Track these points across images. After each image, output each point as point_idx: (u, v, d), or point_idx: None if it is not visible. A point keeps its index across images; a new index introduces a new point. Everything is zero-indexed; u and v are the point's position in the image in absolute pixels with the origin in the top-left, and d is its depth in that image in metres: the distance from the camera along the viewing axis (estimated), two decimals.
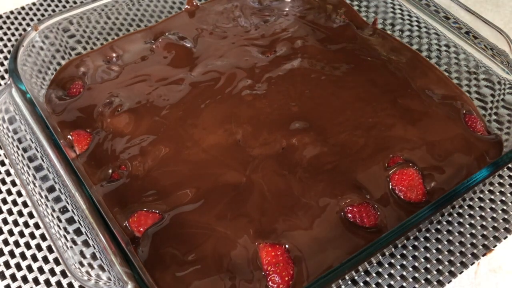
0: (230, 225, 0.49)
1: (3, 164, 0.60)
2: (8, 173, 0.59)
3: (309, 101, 0.60)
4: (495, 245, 0.54)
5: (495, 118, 0.59)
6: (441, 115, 0.59)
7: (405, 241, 0.54)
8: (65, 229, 0.51)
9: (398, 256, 0.53)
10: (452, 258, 0.53)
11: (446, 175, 0.54)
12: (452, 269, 0.52)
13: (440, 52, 0.65)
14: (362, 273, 0.52)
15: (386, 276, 0.52)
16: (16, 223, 0.55)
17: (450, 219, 0.56)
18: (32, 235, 0.54)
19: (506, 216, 0.56)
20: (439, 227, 0.55)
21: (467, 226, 0.55)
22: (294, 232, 0.49)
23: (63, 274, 0.52)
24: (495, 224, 0.56)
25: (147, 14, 0.70)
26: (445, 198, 0.46)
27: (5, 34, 0.74)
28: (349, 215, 0.50)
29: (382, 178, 0.53)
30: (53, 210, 0.52)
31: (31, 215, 0.56)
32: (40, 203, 0.51)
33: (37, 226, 0.55)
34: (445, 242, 0.54)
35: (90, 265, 0.49)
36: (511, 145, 0.54)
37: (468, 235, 0.55)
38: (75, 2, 0.79)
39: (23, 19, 0.77)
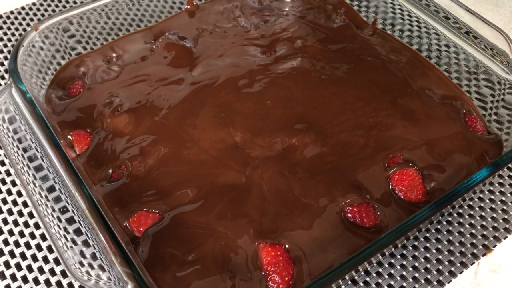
0: (230, 225, 0.49)
1: (3, 164, 0.60)
2: (8, 173, 0.59)
3: (309, 101, 0.60)
4: (495, 245, 0.54)
5: (495, 118, 0.59)
6: (441, 115, 0.59)
7: (405, 241, 0.54)
8: (65, 229, 0.51)
9: (398, 256, 0.53)
10: (452, 258, 0.53)
11: (446, 175, 0.54)
12: (452, 269, 0.52)
13: (440, 52, 0.65)
14: (362, 273, 0.52)
15: (386, 276, 0.52)
16: (16, 223, 0.55)
17: (450, 219, 0.56)
18: (32, 235, 0.54)
19: (506, 216, 0.56)
20: (439, 227, 0.55)
21: (467, 226, 0.56)
22: (294, 232, 0.49)
23: (63, 274, 0.52)
24: (495, 224, 0.56)
25: (147, 14, 0.70)
26: (445, 198, 0.46)
27: (5, 34, 0.74)
28: (349, 215, 0.50)
29: (382, 178, 0.53)
30: (53, 210, 0.52)
31: (31, 215, 0.56)
32: (40, 203, 0.51)
33: (37, 226, 0.55)
34: (445, 242, 0.54)
35: (90, 265, 0.49)
36: (511, 145, 0.54)
37: (468, 235, 0.55)
38: (75, 2, 0.80)
39: (23, 19, 0.77)
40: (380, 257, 0.52)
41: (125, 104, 0.60)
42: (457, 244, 0.54)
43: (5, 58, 0.71)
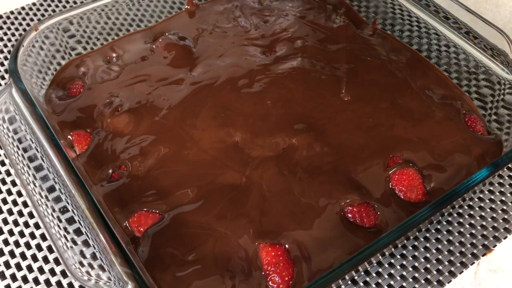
0: (230, 225, 0.49)
1: (3, 164, 0.60)
2: (8, 173, 0.59)
3: (309, 101, 0.60)
4: (495, 245, 0.54)
5: (495, 118, 0.59)
6: (441, 115, 0.59)
7: (405, 241, 0.54)
8: (65, 229, 0.51)
9: (398, 256, 0.53)
10: (452, 258, 0.53)
11: (446, 175, 0.54)
12: (452, 269, 0.52)
13: (440, 52, 0.65)
14: (362, 273, 0.52)
15: (386, 276, 0.52)
16: (16, 223, 0.55)
17: (450, 219, 0.56)
18: (32, 235, 0.54)
19: (506, 216, 0.56)
20: (439, 227, 0.55)
21: (467, 226, 0.56)
22: (294, 232, 0.49)
23: (63, 274, 0.52)
24: (495, 224, 0.56)
25: (147, 14, 0.70)
26: (445, 198, 0.46)
27: (5, 34, 0.74)
28: (349, 215, 0.50)
29: (382, 178, 0.53)
30: (53, 210, 0.52)
31: (31, 215, 0.56)
32: (40, 203, 0.51)
33: (37, 226, 0.55)
34: (445, 242, 0.54)
35: (90, 265, 0.50)
36: (511, 145, 0.54)
37: (468, 235, 0.55)
38: (75, 2, 0.80)
39: (23, 19, 0.77)
40: (380, 257, 0.52)
41: (125, 104, 0.60)
42: (457, 244, 0.54)
43: (5, 58, 0.71)
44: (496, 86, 0.59)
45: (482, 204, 0.57)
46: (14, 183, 0.58)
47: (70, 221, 0.52)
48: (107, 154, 0.55)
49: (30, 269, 0.52)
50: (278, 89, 0.61)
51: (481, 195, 0.58)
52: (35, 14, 0.77)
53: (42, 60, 0.61)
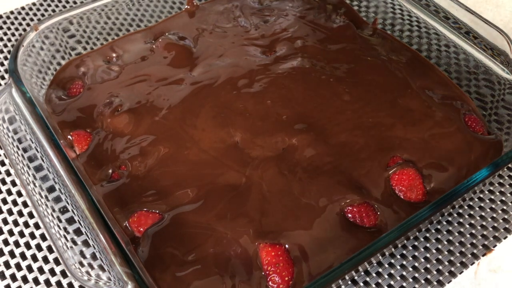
0: (230, 225, 0.49)
1: (3, 164, 0.60)
2: (8, 173, 0.59)
3: (309, 101, 0.60)
4: (495, 245, 0.54)
5: (495, 118, 0.59)
6: (441, 115, 0.59)
7: (405, 241, 0.54)
8: (65, 229, 0.51)
9: (398, 256, 0.53)
10: (452, 258, 0.53)
11: (446, 175, 0.54)
12: (452, 269, 0.52)
13: (440, 52, 0.65)
14: (362, 273, 0.52)
15: (386, 276, 0.52)
16: (16, 223, 0.55)
17: (450, 219, 0.56)
18: (32, 235, 0.54)
19: (506, 216, 0.56)
20: (439, 227, 0.55)
21: (467, 226, 0.56)
22: (294, 232, 0.49)
23: (63, 274, 0.52)
24: (495, 224, 0.56)
25: (147, 14, 0.71)
26: (445, 198, 0.46)
27: (5, 34, 0.74)
28: (349, 215, 0.50)
29: (382, 178, 0.53)
30: (53, 210, 0.52)
31: (31, 215, 0.56)
32: (40, 203, 0.51)
33: (37, 226, 0.55)
34: (445, 242, 0.54)
35: (90, 265, 0.50)
36: (511, 145, 0.54)
37: (468, 235, 0.55)
38: (75, 2, 0.80)
39: (23, 19, 0.77)
40: (380, 257, 0.52)
41: (125, 104, 0.60)
42: (457, 244, 0.54)
43: (5, 58, 0.71)
44: (496, 86, 0.59)
45: (482, 204, 0.57)
46: (14, 183, 0.58)
47: (70, 221, 0.52)
48: (107, 154, 0.55)
49: (30, 269, 0.52)
50: (278, 89, 0.61)
51: (481, 195, 0.58)
52: (35, 14, 0.77)
53: (42, 60, 0.61)
